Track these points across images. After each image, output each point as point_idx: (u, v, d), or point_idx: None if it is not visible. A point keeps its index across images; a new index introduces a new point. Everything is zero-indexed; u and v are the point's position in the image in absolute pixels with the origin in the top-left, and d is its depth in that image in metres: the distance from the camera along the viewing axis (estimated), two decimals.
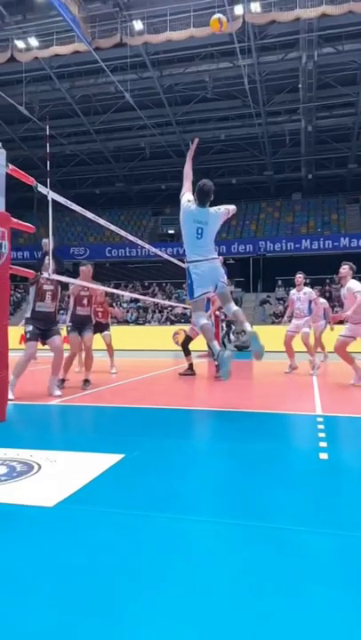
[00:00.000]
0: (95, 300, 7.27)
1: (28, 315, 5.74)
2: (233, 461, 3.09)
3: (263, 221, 27.16)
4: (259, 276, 23.97)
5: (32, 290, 5.76)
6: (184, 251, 5.30)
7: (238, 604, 1.48)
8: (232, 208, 5.25)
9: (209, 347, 5.46)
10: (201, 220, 5.01)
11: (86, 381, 6.46)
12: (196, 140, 5.50)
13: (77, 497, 2.35)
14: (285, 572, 1.68)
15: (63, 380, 6.43)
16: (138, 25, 17.37)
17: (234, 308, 5.13)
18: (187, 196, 5.16)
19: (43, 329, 5.72)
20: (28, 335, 5.63)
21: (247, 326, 4.93)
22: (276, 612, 1.44)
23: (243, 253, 24.72)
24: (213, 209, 5.09)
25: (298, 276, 8.73)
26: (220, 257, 15.17)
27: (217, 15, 6.15)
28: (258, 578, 1.64)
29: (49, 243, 5.43)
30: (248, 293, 23.03)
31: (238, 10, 16.32)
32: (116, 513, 2.19)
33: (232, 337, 18.32)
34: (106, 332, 8.60)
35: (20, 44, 18.36)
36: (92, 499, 2.36)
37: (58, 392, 5.71)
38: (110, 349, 8.65)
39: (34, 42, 18.31)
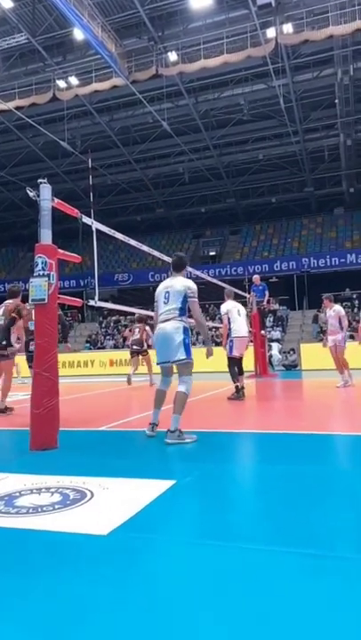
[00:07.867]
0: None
1: None
2: (287, 485, 2.99)
3: (306, 238, 26.82)
4: (304, 293, 23.58)
5: None
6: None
7: None
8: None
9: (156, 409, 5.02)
10: (168, 285, 4.96)
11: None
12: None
13: (131, 524, 2.33)
14: (356, 610, 1.59)
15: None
16: (172, 56, 17.87)
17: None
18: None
19: None
20: None
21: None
22: None
23: (286, 271, 24.42)
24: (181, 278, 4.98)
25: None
26: (257, 275, 14.80)
27: None
28: (323, 616, 1.56)
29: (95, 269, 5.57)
30: (294, 311, 22.67)
31: (271, 32, 16.51)
32: (171, 541, 2.16)
33: (279, 355, 17.96)
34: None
35: (61, 83, 19.24)
36: (145, 526, 2.34)
37: None
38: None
39: (74, 80, 19.16)
